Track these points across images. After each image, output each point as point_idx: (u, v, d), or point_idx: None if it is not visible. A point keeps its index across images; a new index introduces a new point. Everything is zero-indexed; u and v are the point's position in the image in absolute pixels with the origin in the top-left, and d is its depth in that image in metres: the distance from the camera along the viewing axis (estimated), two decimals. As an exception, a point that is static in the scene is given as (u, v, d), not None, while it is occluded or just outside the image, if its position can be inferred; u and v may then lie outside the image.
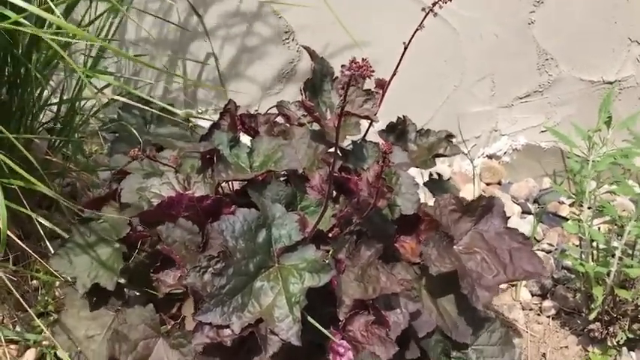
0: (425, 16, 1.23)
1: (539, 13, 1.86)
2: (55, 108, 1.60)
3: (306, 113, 1.37)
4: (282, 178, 1.27)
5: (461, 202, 1.29)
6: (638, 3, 1.85)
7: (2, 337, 1.28)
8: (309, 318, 1.04)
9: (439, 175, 1.48)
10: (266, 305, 1.02)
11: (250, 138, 1.34)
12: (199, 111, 2.05)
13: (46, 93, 1.55)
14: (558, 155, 2.02)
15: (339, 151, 1.29)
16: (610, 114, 1.39)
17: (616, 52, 1.89)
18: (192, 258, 1.09)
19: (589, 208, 1.43)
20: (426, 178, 1.48)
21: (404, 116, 1.44)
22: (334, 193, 1.23)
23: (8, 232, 1.13)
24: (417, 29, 1.25)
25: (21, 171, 1.12)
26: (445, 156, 1.44)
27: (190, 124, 1.59)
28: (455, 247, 1.26)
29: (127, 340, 1.10)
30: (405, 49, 1.28)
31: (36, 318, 1.23)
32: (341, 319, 1.09)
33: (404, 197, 1.24)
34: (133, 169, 1.26)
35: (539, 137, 2.03)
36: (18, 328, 1.34)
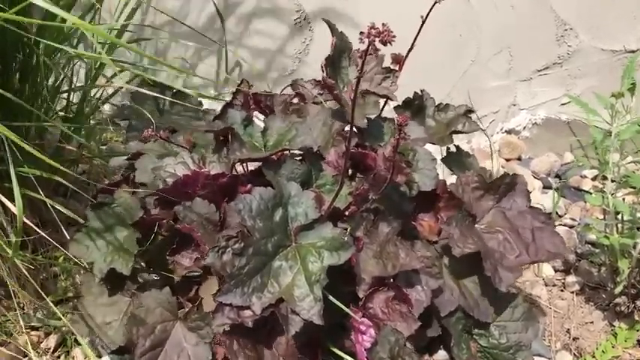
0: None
1: (557, -17, 1.82)
2: (68, 96, 1.60)
3: (321, 91, 1.34)
4: (297, 158, 1.25)
5: (484, 180, 1.26)
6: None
7: (23, 324, 1.29)
8: (329, 297, 1.03)
9: (457, 147, 1.43)
10: (285, 285, 1.01)
11: (264, 117, 1.33)
12: (213, 94, 2.04)
13: (58, 81, 1.54)
14: (579, 128, 1.97)
15: (355, 130, 1.27)
16: (634, 80, 1.35)
17: (638, 20, 1.83)
18: (209, 237, 1.08)
19: (612, 181, 1.39)
20: (444, 155, 1.45)
21: (422, 91, 1.41)
22: (350, 171, 1.21)
23: (26, 220, 1.12)
24: (435, 2, 1.22)
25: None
26: (463, 132, 1.40)
27: (203, 107, 1.57)
28: (477, 225, 1.23)
29: (145, 324, 1.09)
30: (423, 22, 1.25)
31: (54, 306, 1.23)
32: (361, 296, 1.07)
33: (422, 173, 1.22)
34: (147, 150, 1.26)
35: (559, 110, 1.99)
36: (39, 315, 1.35)
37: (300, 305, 0.98)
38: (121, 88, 1.65)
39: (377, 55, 1.30)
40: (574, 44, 1.88)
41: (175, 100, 1.49)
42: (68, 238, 1.26)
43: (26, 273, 1.21)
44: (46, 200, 1.22)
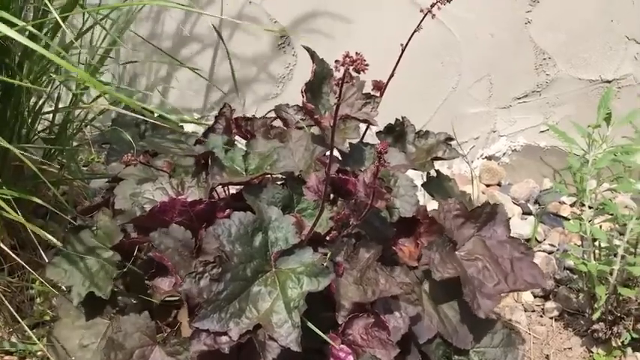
0: (423, 18, 1.22)
1: (536, 13, 1.85)
2: (50, 117, 1.59)
3: (304, 117, 1.35)
4: (279, 182, 1.26)
5: (465, 208, 1.27)
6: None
7: (-3, 349, 1.27)
8: (308, 323, 1.02)
9: (437, 172, 1.44)
10: (264, 310, 1.00)
11: (245, 141, 1.33)
12: (195, 117, 2.04)
13: (41, 101, 1.53)
14: (558, 155, 2.01)
15: (338, 155, 1.28)
16: (609, 110, 1.38)
17: (614, 51, 1.88)
18: (185, 264, 1.08)
19: (590, 207, 1.41)
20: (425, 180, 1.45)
21: (402, 118, 1.43)
22: (331, 195, 1.21)
23: (3, 246, 1.11)
24: (415, 30, 1.24)
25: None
26: (444, 159, 1.42)
27: (185, 130, 1.57)
28: (457, 252, 1.24)
29: (123, 349, 1.08)
30: (403, 50, 1.27)
31: (29, 329, 1.21)
32: (340, 322, 1.07)
33: (403, 199, 1.23)
34: (127, 175, 1.25)
35: (538, 137, 2.02)
36: (14, 339, 1.32)
37: (277, 331, 0.97)
38: (105, 110, 1.64)
39: (354, 83, 1.31)
40: (552, 73, 1.92)
41: (157, 122, 1.49)
42: (46, 260, 1.25)
43: (1, 296, 1.19)
44: (25, 223, 1.21)
